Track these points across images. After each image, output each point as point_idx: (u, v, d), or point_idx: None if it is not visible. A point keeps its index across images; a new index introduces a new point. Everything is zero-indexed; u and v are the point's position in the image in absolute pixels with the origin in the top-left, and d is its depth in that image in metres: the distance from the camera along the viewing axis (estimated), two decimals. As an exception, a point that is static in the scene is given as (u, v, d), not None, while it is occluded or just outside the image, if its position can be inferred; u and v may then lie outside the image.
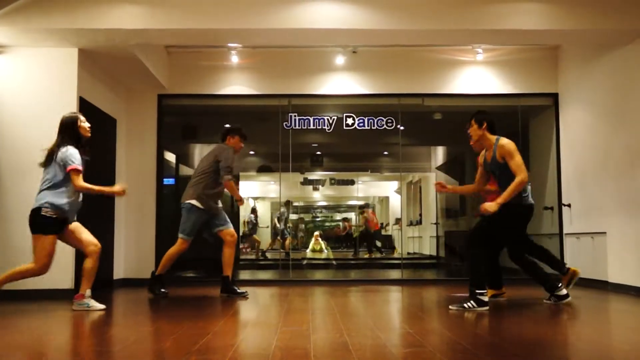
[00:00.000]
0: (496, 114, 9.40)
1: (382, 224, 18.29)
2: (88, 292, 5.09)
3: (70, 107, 6.29)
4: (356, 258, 14.64)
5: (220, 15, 6.10)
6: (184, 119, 9.47)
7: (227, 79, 8.17)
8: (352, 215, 19.90)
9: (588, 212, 7.23)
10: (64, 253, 6.12)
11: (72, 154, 4.95)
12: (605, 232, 6.75)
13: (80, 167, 4.96)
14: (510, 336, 3.67)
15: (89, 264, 5.07)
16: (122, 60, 6.83)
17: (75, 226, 5.14)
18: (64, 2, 5.94)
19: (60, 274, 6.12)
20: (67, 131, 5.08)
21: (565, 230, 7.85)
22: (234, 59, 7.97)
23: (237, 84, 8.16)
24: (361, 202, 17.94)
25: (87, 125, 5.18)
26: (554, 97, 8.10)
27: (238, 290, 6.11)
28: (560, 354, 3.24)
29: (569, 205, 7.71)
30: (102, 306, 5.12)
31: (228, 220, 6.19)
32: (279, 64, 8.15)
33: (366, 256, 14.37)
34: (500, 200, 4.96)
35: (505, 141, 5.12)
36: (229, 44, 7.65)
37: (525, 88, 8.12)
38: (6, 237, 6.08)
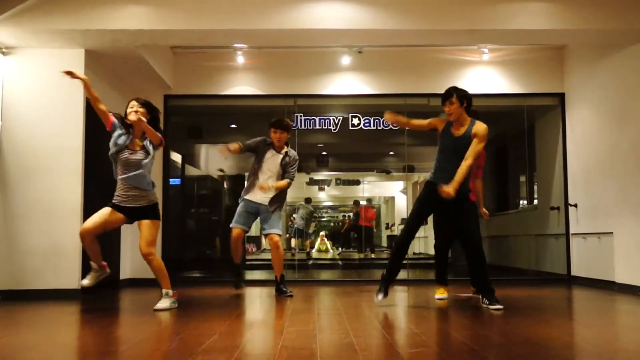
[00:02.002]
0: (502, 113, 9.46)
1: (387, 223, 18.24)
2: (164, 291, 5.10)
3: (77, 108, 6.33)
4: (361, 258, 14.59)
5: (225, 15, 6.11)
6: (190, 119, 9.49)
7: (232, 79, 8.18)
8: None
9: (595, 212, 7.21)
10: (70, 253, 6.16)
11: None
12: (612, 232, 6.73)
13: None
14: (516, 336, 3.67)
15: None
16: (128, 61, 6.85)
17: (139, 225, 5.02)
18: (70, 4, 5.96)
19: (66, 274, 6.14)
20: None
21: (571, 230, 7.82)
22: (240, 59, 7.98)
23: (242, 85, 8.17)
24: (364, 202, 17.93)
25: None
26: (560, 96, 8.07)
27: (283, 289, 6.18)
28: (566, 355, 3.23)
29: (575, 205, 7.69)
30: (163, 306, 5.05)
31: (274, 224, 6.10)
32: (284, 64, 8.15)
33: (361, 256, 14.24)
34: (455, 184, 4.95)
35: (484, 125, 5.11)
36: (235, 45, 7.66)
37: (531, 88, 8.09)
38: (13, 237, 6.10)
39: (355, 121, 8.35)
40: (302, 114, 8.29)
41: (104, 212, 4.92)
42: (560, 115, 8.07)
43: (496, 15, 6.14)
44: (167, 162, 8.09)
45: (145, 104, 4.98)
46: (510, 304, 5.58)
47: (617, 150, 6.71)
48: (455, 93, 5.10)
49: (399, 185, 17.71)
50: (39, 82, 6.34)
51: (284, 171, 6.16)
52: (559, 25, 6.14)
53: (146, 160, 4.92)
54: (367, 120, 8.32)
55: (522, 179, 10.07)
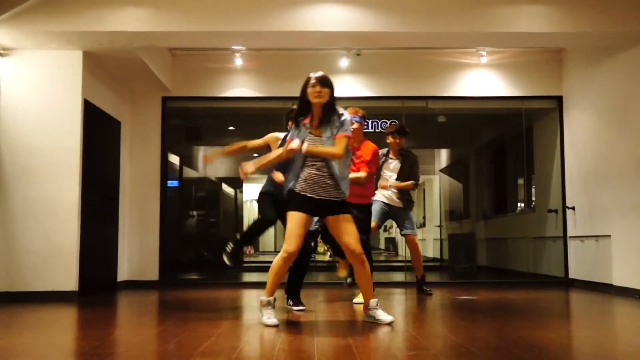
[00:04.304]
0: (500, 116, 9.48)
1: (385, 225, 18.17)
2: (372, 302, 4.28)
3: (75, 109, 6.33)
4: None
5: (224, 17, 6.10)
6: (188, 121, 9.48)
7: (231, 81, 8.18)
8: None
9: (592, 215, 7.21)
10: (67, 254, 6.14)
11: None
12: (609, 235, 6.73)
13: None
14: (514, 339, 3.66)
15: (355, 273, 4.28)
16: (127, 63, 6.84)
17: (337, 220, 4.21)
18: (68, 5, 5.95)
19: (64, 275, 6.13)
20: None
21: (569, 233, 7.82)
22: (238, 61, 7.97)
23: (241, 87, 8.16)
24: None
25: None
26: (558, 99, 8.08)
27: (424, 288, 6.50)
28: (564, 357, 3.23)
29: (573, 208, 7.69)
30: (389, 318, 4.21)
31: (409, 225, 6.42)
32: (282, 66, 8.14)
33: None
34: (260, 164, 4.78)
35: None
36: (233, 47, 7.66)
37: (529, 91, 8.10)
38: (10, 238, 6.09)
39: (354, 123, 8.33)
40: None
41: (299, 221, 4.11)
42: (558, 118, 8.07)
43: (494, 18, 6.14)
44: (165, 163, 8.09)
45: (329, 84, 4.34)
46: (508, 307, 5.58)
47: (614, 153, 6.72)
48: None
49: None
50: (36, 83, 6.33)
51: (408, 173, 6.46)
52: (557, 28, 6.15)
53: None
54: (365, 123, 8.31)
55: (520, 181, 10.08)
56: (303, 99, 4.29)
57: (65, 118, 6.30)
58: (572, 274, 7.72)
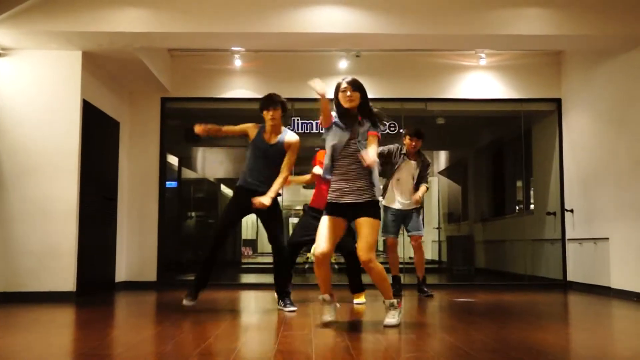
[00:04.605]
0: (499, 118, 9.49)
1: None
2: (387, 302, 4.26)
3: (74, 109, 6.33)
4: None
5: (223, 18, 6.11)
6: (187, 122, 9.47)
7: (230, 82, 8.18)
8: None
9: (591, 218, 7.22)
10: (65, 254, 6.14)
11: None
12: (608, 238, 6.74)
13: None
14: (512, 341, 3.66)
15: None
16: (126, 63, 6.84)
17: (356, 223, 4.21)
18: (68, 5, 5.95)
19: (62, 276, 6.12)
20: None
21: (567, 236, 7.83)
22: (237, 62, 7.98)
23: (240, 88, 8.16)
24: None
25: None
26: (557, 102, 8.09)
27: (424, 289, 6.55)
28: (562, 359, 3.24)
29: (571, 211, 7.69)
30: (392, 322, 4.18)
31: (416, 226, 6.49)
32: (282, 67, 8.15)
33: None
34: (271, 194, 5.03)
35: (296, 137, 5.28)
36: (232, 48, 7.66)
37: (528, 93, 8.11)
38: (8, 239, 6.08)
39: (353, 125, 8.33)
40: (299, 118, 8.29)
41: (329, 225, 4.18)
42: (557, 121, 8.08)
43: (494, 21, 6.15)
44: (163, 164, 8.08)
45: (359, 87, 4.40)
46: (506, 309, 5.58)
47: (613, 156, 6.72)
48: (280, 100, 5.23)
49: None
50: (36, 84, 6.33)
51: (420, 176, 6.58)
52: (556, 31, 6.16)
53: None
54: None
55: (519, 184, 10.09)
56: (339, 105, 4.38)
57: (65, 118, 6.30)
58: (571, 276, 7.73)
